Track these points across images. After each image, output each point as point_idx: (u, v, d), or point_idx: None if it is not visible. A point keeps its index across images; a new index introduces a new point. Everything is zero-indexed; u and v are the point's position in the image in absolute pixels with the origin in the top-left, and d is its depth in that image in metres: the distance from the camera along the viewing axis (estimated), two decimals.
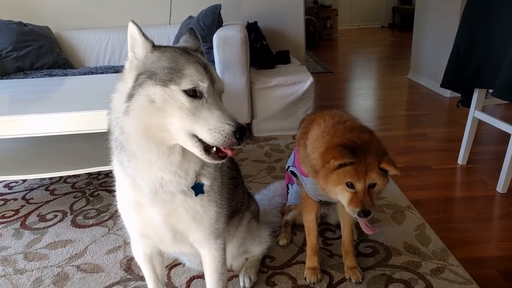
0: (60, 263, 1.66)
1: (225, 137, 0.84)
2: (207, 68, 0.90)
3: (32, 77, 2.96)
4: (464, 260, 1.57)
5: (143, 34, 0.90)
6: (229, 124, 0.84)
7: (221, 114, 0.86)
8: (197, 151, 0.88)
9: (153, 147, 0.91)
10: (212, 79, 0.89)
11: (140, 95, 0.86)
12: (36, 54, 3.32)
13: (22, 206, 2.15)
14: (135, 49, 0.91)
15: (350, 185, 1.26)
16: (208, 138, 0.85)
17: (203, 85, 0.86)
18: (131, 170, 0.96)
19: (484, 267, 1.55)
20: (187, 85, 0.85)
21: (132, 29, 0.90)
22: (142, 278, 1.35)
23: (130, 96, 0.88)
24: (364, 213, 1.24)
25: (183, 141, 0.89)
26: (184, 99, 0.85)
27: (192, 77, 0.85)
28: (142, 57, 0.90)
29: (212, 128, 0.84)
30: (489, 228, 1.81)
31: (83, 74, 2.99)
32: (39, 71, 3.20)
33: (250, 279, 1.49)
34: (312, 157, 1.40)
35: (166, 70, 0.86)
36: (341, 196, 1.29)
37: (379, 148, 1.30)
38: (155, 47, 0.91)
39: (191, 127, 0.86)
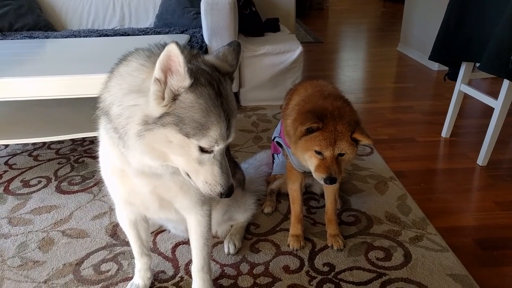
0: (45, 228, 1.66)
1: (212, 193, 0.95)
2: (230, 124, 0.90)
3: (12, 39, 2.84)
4: (442, 229, 1.62)
5: (189, 69, 0.81)
6: (221, 186, 0.94)
7: (220, 173, 0.93)
8: (190, 182, 0.98)
9: (151, 160, 0.93)
10: (229, 136, 0.91)
11: (161, 133, 0.85)
12: (15, 15, 3.17)
13: (5, 171, 2.12)
14: (172, 78, 0.81)
15: (319, 152, 1.27)
16: (200, 186, 0.95)
17: (218, 147, 0.90)
18: (124, 150, 0.93)
19: (461, 235, 1.61)
20: (205, 144, 0.87)
21: (175, 56, 0.78)
22: (127, 244, 1.36)
23: (149, 126, 0.84)
24: (330, 180, 1.26)
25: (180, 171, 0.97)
26: (196, 153, 0.89)
27: (213, 139, 0.87)
28: (175, 90, 0.82)
29: (207, 182, 0.93)
30: (468, 199, 1.87)
31: (66, 37, 2.89)
32: (18, 33, 3.07)
33: (235, 245, 1.52)
34: (287, 125, 1.41)
35: (195, 124, 0.84)
36: (310, 162, 1.31)
37: (352, 117, 1.30)
38: (192, 86, 0.83)
39: (190, 173, 0.94)
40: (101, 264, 1.47)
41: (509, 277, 1.40)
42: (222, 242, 1.56)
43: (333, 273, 1.41)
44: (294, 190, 1.58)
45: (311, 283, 1.37)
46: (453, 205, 1.81)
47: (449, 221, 1.70)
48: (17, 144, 2.35)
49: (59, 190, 1.94)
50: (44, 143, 2.40)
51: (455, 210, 1.77)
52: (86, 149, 2.34)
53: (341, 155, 1.29)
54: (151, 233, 1.61)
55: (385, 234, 1.60)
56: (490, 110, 2.08)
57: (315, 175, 1.30)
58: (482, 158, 2.13)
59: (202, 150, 0.88)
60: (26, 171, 2.12)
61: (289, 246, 1.54)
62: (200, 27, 2.83)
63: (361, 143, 1.31)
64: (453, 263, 1.43)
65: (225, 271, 1.44)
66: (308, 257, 1.49)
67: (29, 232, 1.64)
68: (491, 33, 1.86)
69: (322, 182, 1.29)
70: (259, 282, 1.38)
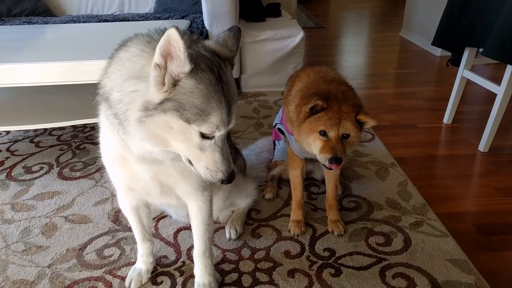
0: (48, 214, 1.68)
1: (213, 179, 0.95)
2: (231, 110, 0.89)
3: (10, 25, 2.82)
4: (442, 215, 1.63)
5: (189, 54, 0.80)
6: (222, 173, 0.94)
7: (221, 160, 0.93)
8: (191, 169, 0.98)
9: (151, 146, 0.93)
10: (230, 122, 0.91)
11: (162, 119, 0.85)
12: (13, 0, 3.14)
13: (7, 157, 2.13)
14: (172, 63, 0.81)
15: (323, 134, 1.26)
16: (201, 172, 0.95)
17: (219, 133, 0.89)
18: (124, 137, 0.93)
19: (461, 221, 1.62)
20: (206, 130, 0.87)
21: (174, 41, 0.77)
22: (130, 229, 1.38)
23: (149, 112, 0.84)
24: (336, 160, 1.25)
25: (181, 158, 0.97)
26: (197, 139, 0.89)
27: (214, 125, 0.87)
28: (175, 76, 0.82)
29: (208, 168, 0.94)
30: (468, 185, 1.87)
31: (65, 23, 2.86)
32: (17, 18, 3.05)
33: (236, 231, 1.53)
34: (290, 111, 1.40)
35: (195, 109, 0.84)
36: (314, 145, 1.30)
37: (356, 101, 1.30)
38: (192, 71, 0.82)
39: (191, 159, 0.94)
40: (104, 249, 1.48)
41: (508, 262, 1.41)
42: (223, 228, 1.57)
43: (333, 258, 1.43)
44: (295, 177, 1.58)
45: (311, 268, 1.38)
46: (453, 191, 1.81)
47: (449, 207, 1.71)
48: (19, 130, 2.36)
49: (61, 176, 1.95)
50: (45, 129, 2.40)
51: (455, 196, 1.78)
52: (87, 136, 2.34)
53: (345, 137, 1.28)
54: (153, 218, 1.62)
55: (385, 220, 1.61)
56: (493, 96, 2.07)
57: (319, 157, 1.28)
58: (483, 144, 2.13)
59: (203, 136, 0.88)
60: (28, 157, 2.13)
61: (290, 232, 1.55)
62: (201, 12, 2.80)
63: (365, 126, 1.30)
64: (452, 248, 1.45)
65: (227, 256, 1.45)
66: (309, 242, 1.51)
67: (32, 217, 1.66)
68: (495, 18, 1.84)
69: (327, 163, 1.26)
70: (260, 267, 1.39)
